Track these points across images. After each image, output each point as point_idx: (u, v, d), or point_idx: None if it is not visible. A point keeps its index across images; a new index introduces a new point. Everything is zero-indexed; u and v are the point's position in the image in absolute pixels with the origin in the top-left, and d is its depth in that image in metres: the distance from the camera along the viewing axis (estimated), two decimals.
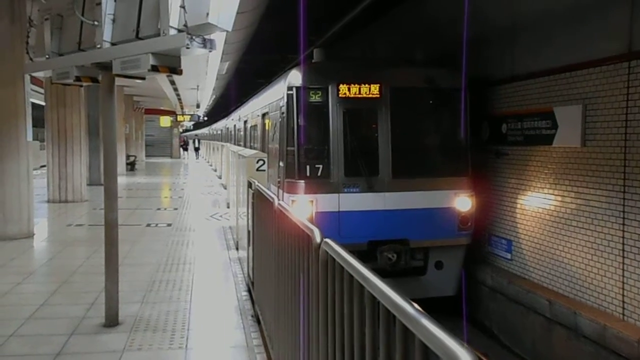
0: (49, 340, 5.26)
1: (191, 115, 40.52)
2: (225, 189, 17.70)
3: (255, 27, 14.27)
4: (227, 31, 4.86)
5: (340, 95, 9.20)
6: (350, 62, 12.06)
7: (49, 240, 10.60)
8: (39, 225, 11.18)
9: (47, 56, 6.09)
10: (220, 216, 13.35)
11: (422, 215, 9.24)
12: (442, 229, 9.37)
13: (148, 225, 11.94)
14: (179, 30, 4.62)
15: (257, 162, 7.51)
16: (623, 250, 7.45)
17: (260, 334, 5.37)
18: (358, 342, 2.03)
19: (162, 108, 40.83)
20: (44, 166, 19.73)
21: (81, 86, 6.47)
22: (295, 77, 9.45)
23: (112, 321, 5.63)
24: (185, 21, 4.54)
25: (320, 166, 9.08)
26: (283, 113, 9.56)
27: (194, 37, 4.63)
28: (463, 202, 9.48)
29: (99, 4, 5.22)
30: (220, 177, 23.79)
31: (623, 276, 7.45)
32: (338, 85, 9.19)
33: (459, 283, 9.85)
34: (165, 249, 9.42)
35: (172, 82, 22.26)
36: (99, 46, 5.24)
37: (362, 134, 9.74)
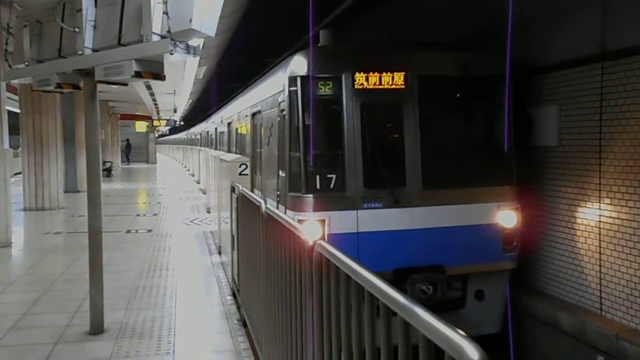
0: (33, 349, 5.21)
1: (167, 119, 40.27)
2: (205, 193, 17.64)
3: (232, 32, 14.28)
4: (210, 36, 4.89)
5: (356, 87, 7.47)
6: (367, 46, 9.94)
7: (28, 248, 10.47)
8: (16, 234, 11.02)
9: (26, 63, 6.05)
10: (201, 221, 13.31)
11: (459, 234, 7.57)
12: (483, 251, 7.71)
13: (128, 231, 11.85)
14: (162, 36, 4.64)
15: (240, 166, 7.54)
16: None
17: (248, 338, 5.39)
18: (356, 341, 2.08)
19: (137, 113, 40.47)
20: (18, 174, 19.45)
21: (62, 93, 6.43)
22: (299, 64, 7.61)
23: (97, 329, 5.60)
24: (169, 27, 4.56)
25: (333, 176, 7.39)
26: (283, 110, 7.85)
27: (177, 43, 4.66)
28: (507, 217, 7.81)
29: (80, 10, 5.21)
30: (198, 182, 23.68)
31: (600, 272, 7.60)
32: (353, 73, 7.47)
33: (503, 317, 8.10)
34: (147, 255, 9.37)
35: (149, 87, 22.12)
36: (80, 53, 5.22)
37: (384, 134, 8.12)
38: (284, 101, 7.77)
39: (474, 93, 8.15)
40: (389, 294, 1.79)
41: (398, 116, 7.69)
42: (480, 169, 7.98)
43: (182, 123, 50.67)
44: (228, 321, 6.00)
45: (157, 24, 4.62)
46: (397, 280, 7.09)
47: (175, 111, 34.11)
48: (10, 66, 6.58)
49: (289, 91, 7.57)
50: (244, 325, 5.69)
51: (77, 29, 5.22)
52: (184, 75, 18.08)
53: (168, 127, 48.53)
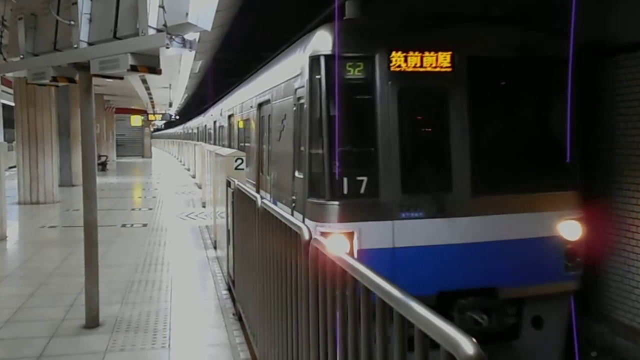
0: (29, 343, 5.22)
1: (163, 114, 40.17)
2: (200, 188, 17.62)
3: (228, 25, 14.24)
4: (206, 30, 4.87)
5: (392, 69, 6.15)
6: (406, 19, 7.84)
7: (23, 242, 10.45)
8: (11, 228, 11.00)
9: (21, 56, 6.02)
10: (196, 215, 13.30)
11: (515, 250, 6.30)
12: (542, 269, 6.45)
13: (123, 225, 11.84)
14: (158, 30, 4.62)
15: (235, 160, 7.52)
16: None
17: (243, 332, 5.41)
18: (352, 335, 2.09)
19: (133, 107, 40.35)
20: (12, 167, 19.41)
21: (57, 86, 6.40)
22: (323, 40, 6.29)
23: (92, 322, 5.61)
24: (165, 21, 4.55)
25: (364, 179, 6.10)
26: (301, 98, 6.62)
27: (173, 37, 4.64)
28: (571, 228, 6.52)
29: (75, 3, 5.19)
30: (194, 177, 23.64)
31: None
32: (389, 53, 6.15)
33: (566, 349, 6.81)
34: (142, 249, 9.37)
35: (144, 81, 22.05)
36: (75, 46, 5.20)
37: (426, 128, 6.85)
38: (302, 87, 6.54)
39: (536, 79, 6.86)
40: (384, 288, 1.80)
41: (443, 106, 6.38)
42: (540, 171, 6.67)
43: (177, 117, 50.54)
44: (223, 315, 6.01)
45: (153, 18, 4.60)
46: (442, 306, 5.84)
47: (170, 105, 33.99)
48: (5, 59, 6.55)
49: (310, 74, 6.30)
50: (240, 319, 5.70)
51: (72, 22, 5.20)
52: (179, 69, 18.02)
53: (163, 122, 48.37)
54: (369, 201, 6.04)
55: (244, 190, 5.23)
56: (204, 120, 26.38)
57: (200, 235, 10.70)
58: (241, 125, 12.81)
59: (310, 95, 6.29)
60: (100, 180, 23.96)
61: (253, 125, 10.52)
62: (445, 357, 1.32)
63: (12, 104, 16.36)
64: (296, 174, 6.72)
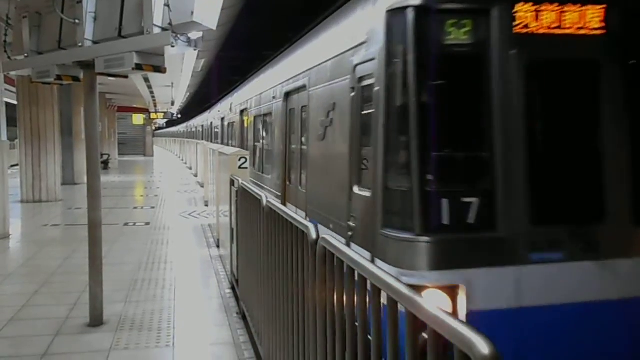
0: (33, 341, 5.22)
1: (165, 112, 40.22)
2: (202, 187, 17.63)
3: (232, 23, 14.24)
4: (211, 29, 4.88)
5: (516, 30, 3.97)
6: None
7: (26, 240, 10.46)
8: (14, 226, 11.00)
9: (26, 55, 6.03)
10: (199, 214, 13.31)
11: None
12: None
13: (126, 224, 11.84)
14: (164, 29, 4.62)
15: (239, 159, 7.52)
16: None
17: (247, 331, 5.41)
18: (362, 335, 2.09)
19: (135, 106, 40.39)
20: (14, 165, 19.43)
21: (62, 85, 6.41)
22: None
23: (96, 321, 5.62)
24: (170, 19, 4.55)
25: (473, 200, 3.93)
26: (365, 78, 4.59)
27: (179, 36, 4.65)
28: None
29: (80, 1, 5.20)
30: (196, 175, 23.65)
31: None
32: (512, 6, 3.97)
33: None
34: (145, 247, 9.37)
35: (147, 80, 22.06)
36: (80, 44, 5.21)
37: (567, 121, 4.28)
38: (369, 60, 4.43)
39: None
40: (394, 286, 1.79)
41: (592, 88, 4.19)
42: None
43: (179, 116, 50.60)
44: (227, 314, 6.01)
45: (158, 16, 4.61)
46: None
47: (172, 104, 34.06)
48: (9, 57, 6.55)
49: (388, 40, 4.14)
50: (244, 318, 5.70)
51: (77, 21, 5.20)
52: (182, 68, 18.05)
53: (165, 120, 48.42)
54: (482, 236, 3.96)
55: (248, 189, 5.22)
56: (209, 117, 23.89)
57: (203, 234, 10.71)
58: (258, 121, 10.66)
59: (388, 71, 4.15)
60: (102, 178, 23.85)
61: (276, 120, 8.57)
62: (460, 357, 1.31)
63: (15, 102, 16.38)
64: (355, 189, 4.68)
